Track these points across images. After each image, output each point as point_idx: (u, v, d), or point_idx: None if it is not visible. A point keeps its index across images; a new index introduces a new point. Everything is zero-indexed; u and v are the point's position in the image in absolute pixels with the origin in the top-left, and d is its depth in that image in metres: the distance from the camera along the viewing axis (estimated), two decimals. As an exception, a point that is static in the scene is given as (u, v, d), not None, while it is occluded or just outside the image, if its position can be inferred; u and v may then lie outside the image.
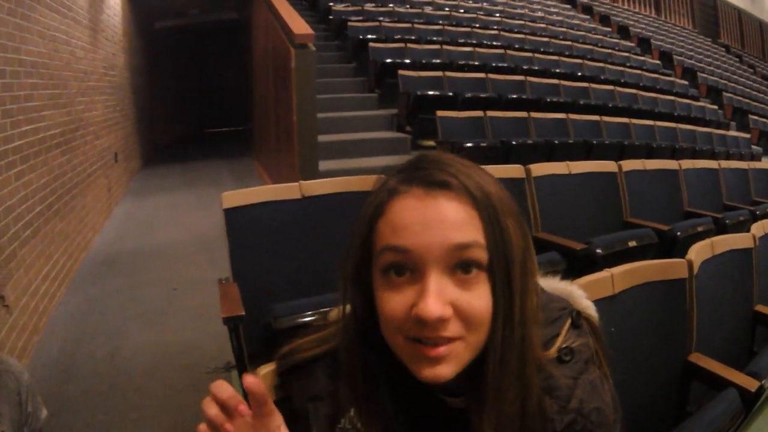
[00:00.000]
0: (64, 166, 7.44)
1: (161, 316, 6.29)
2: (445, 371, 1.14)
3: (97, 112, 9.91)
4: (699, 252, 3.02)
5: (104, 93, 10.68)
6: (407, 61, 11.19)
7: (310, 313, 3.08)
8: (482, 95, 9.96)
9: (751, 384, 2.57)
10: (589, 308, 1.41)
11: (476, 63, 11.85)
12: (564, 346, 1.26)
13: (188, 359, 5.34)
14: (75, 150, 8.07)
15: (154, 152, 17.57)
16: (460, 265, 1.12)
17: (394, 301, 1.15)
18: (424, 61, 11.27)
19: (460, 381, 1.18)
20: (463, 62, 11.68)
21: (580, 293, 1.43)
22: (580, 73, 12.93)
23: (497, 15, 16.29)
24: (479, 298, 1.13)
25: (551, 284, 1.46)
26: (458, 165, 1.19)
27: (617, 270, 2.56)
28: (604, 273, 2.54)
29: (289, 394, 1.48)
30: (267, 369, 1.65)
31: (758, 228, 3.76)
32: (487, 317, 1.14)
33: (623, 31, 20.16)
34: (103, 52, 10.73)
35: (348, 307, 1.32)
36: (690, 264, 2.90)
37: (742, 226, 5.64)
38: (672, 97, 13.93)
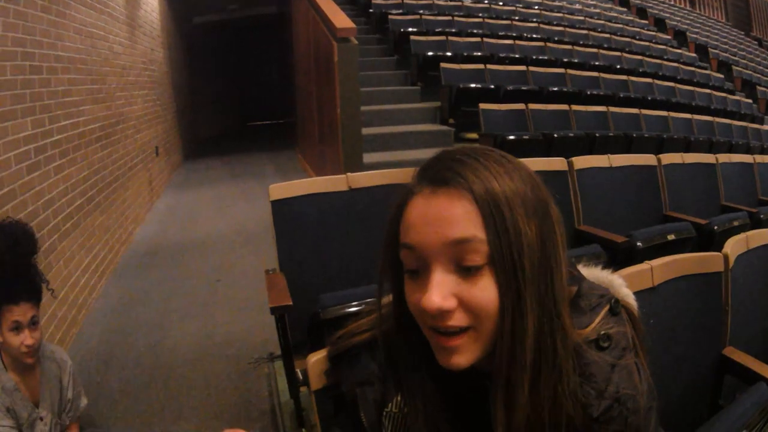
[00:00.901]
0: (105, 160, 7.55)
1: (204, 308, 6.33)
2: (460, 360, 1.22)
3: (137, 107, 10.01)
4: (734, 246, 3.00)
5: (144, 88, 10.77)
6: (449, 54, 11.16)
7: (356, 303, 3.06)
8: (524, 88, 9.92)
9: None
10: (629, 297, 1.46)
11: (517, 55, 11.81)
12: (603, 332, 1.28)
13: (231, 350, 5.40)
14: (115, 144, 8.18)
15: (195, 146, 17.61)
16: (461, 260, 1.18)
17: (412, 294, 1.25)
18: (465, 54, 11.22)
19: (490, 365, 1.25)
20: (504, 55, 11.63)
21: (620, 282, 1.48)
22: (619, 66, 12.86)
23: (536, 7, 16.18)
24: (483, 290, 1.18)
25: (593, 273, 1.51)
26: (470, 160, 1.23)
27: (656, 262, 2.60)
28: (644, 265, 2.58)
29: (338, 380, 1.57)
30: (316, 357, 1.77)
31: (792, 223, 3.76)
32: (494, 308, 1.18)
33: (659, 24, 19.96)
34: (141, 48, 10.82)
35: (386, 298, 1.41)
36: (726, 258, 2.90)
37: (777, 222, 5.68)
38: (708, 91, 13.79)
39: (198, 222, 9.90)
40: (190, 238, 8.97)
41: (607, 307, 1.34)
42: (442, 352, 1.23)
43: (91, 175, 6.86)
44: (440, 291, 1.18)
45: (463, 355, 1.22)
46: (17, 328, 3.16)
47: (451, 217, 1.18)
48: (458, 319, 1.19)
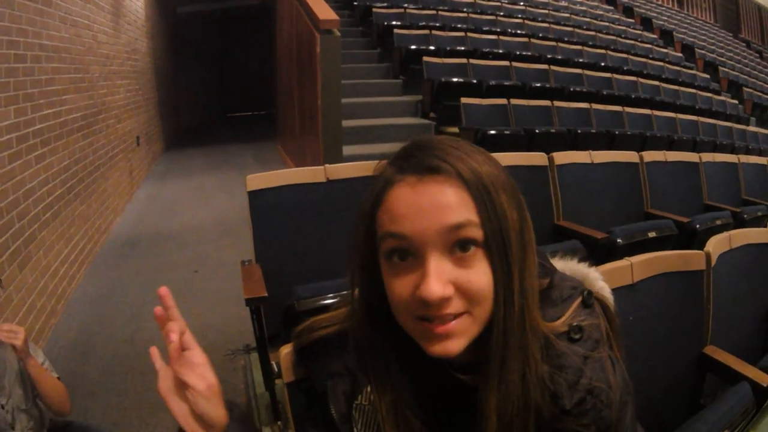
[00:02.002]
0: (86, 150, 7.52)
1: (181, 299, 6.15)
2: (454, 346, 1.20)
3: (120, 96, 9.98)
4: (717, 245, 3.02)
5: (127, 77, 10.76)
6: (432, 47, 11.15)
7: (332, 295, 3.07)
8: (506, 83, 9.94)
9: (763, 378, 2.58)
10: (604, 290, 1.45)
11: (500, 51, 11.84)
12: (575, 324, 1.30)
13: (207, 341, 5.36)
14: (97, 133, 8.15)
15: (177, 136, 17.60)
16: (457, 245, 1.18)
17: (400, 285, 1.21)
18: (448, 48, 11.24)
19: (468, 357, 1.24)
20: (487, 50, 11.66)
21: (595, 275, 1.47)
22: (603, 64, 12.89)
23: (521, 3, 16.23)
24: (479, 273, 1.18)
25: (568, 265, 1.51)
26: (449, 148, 1.24)
27: (636, 259, 2.59)
28: (624, 262, 2.57)
29: (308, 374, 1.59)
30: (287, 349, 1.73)
31: (775, 223, 3.76)
32: (489, 291, 1.19)
33: (646, 23, 20.04)
34: (125, 37, 10.79)
35: (357, 292, 1.39)
36: (708, 256, 2.90)
37: (760, 221, 5.67)
38: (694, 90, 13.85)
39: (177, 212, 9.90)
40: (169, 229, 8.98)
41: (579, 299, 1.35)
42: (434, 339, 1.21)
43: (72, 165, 6.84)
44: (439, 279, 1.16)
45: (458, 340, 1.21)
46: None
47: (445, 203, 1.17)
48: (455, 306, 1.18)
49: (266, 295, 3.32)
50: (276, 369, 3.40)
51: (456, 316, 1.19)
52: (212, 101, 23.93)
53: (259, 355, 3.65)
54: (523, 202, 1.27)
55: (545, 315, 1.29)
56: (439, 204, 1.17)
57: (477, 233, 1.17)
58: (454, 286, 1.17)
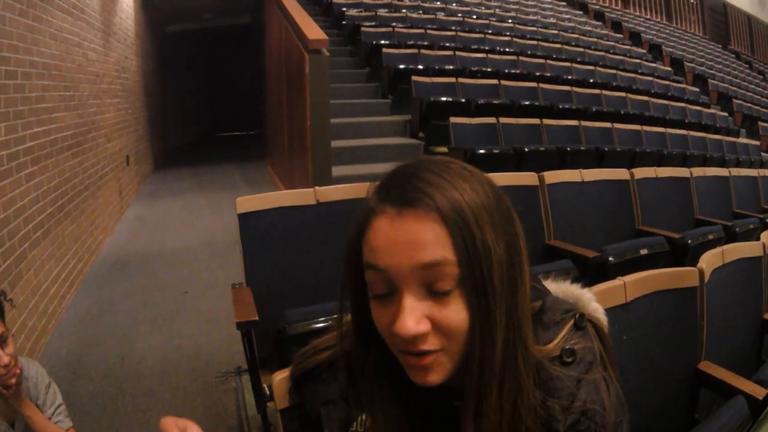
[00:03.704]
0: (76, 169, 7.48)
1: (172, 320, 6.30)
2: (433, 378, 1.20)
3: (109, 115, 9.94)
4: (710, 260, 3.02)
5: (116, 96, 10.71)
6: (420, 67, 11.17)
7: (323, 319, 3.07)
8: (495, 102, 9.94)
9: (758, 392, 2.58)
10: (597, 311, 1.44)
11: (489, 69, 11.87)
12: (567, 347, 1.28)
13: (198, 363, 5.38)
14: (86, 152, 8.12)
15: (166, 155, 17.61)
16: (432, 283, 1.15)
17: (382, 316, 1.21)
18: (437, 67, 11.26)
19: (460, 383, 1.22)
20: (476, 68, 11.68)
21: (588, 297, 1.46)
22: (592, 80, 12.95)
23: (510, 21, 16.32)
24: (455, 312, 1.16)
25: (561, 287, 1.50)
26: (433, 177, 1.20)
27: (629, 278, 2.58)
28: (617, 281, 2.56)
29: (303, 400, 1.55)
30: (281, 375, 1.70)
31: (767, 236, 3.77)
32: (465, 328, 1.17)
33: (635, 38, 20.17)
34: (115, 55, 10.76)
35: (348, 317, 1.37)
36: (701, 272, 2.90)
37: (752, 234, 5.67)
38: (683, 104, 13.90)
39: (167, 233, 9.89)
40: (159, 249, 8.95)
41: (571, 322, 1.33)
42: (416, 371, 1.21)
43: (62, 184, 6.82)
44: (413, 315, 1.15)
45: (436, 374, 1.20)
46: None
47: (420, 240, 1.15)
48: (431, 343, 1.17)
49: (257, 318, 3.31)
50: (268, 392, 3.38)
51: (433, 351, 1.18)
52: (201, 121, 24.00)
53: (251, 378, 3.65)
54: (518, 228, 1.26)
55: (537, 339, 1.28)
56: (415, 240, 1.15)
57: (452, 271, 1.15)
58: (430, 322, 1.16)
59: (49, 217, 6.22)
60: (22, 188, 5.47)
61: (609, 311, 1.47)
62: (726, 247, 3.27)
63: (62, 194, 6.77)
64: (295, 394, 1.63)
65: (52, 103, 6.54)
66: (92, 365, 5.36)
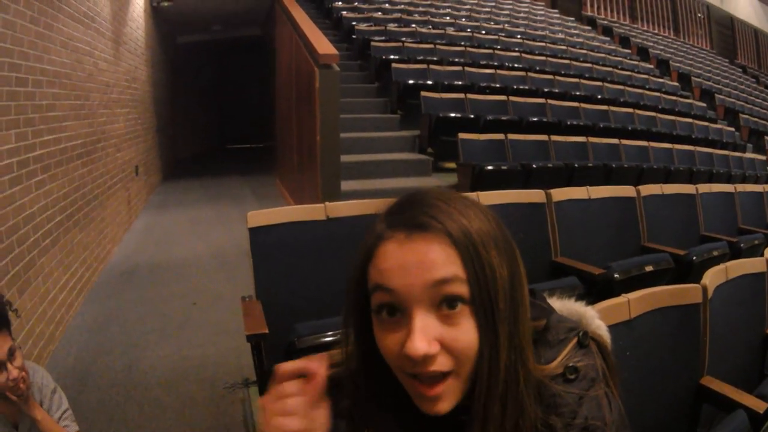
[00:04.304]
0: (85, 178, 7.49)
1: (180, 330, 6.31)
2: (443, 406, 1.21)
3: (119, 125, 9.95)
4: (713, 277, 3.05)
5: (126, 106, 10.70)
6: (429, 82, 11.22)
7: (332, 333, 3.12)
8: (503, 118, 9.98)
9: (759, 406, 2.60)
10: (600, 329, 1.45)
11: (498, 85, 11.88)
12: (570, 365, 1.29)
13: (206, 374, 5.38)
14: (96, 162, 8.13)
15: (174, 167, 17.60)
16: (443, 301, 1.17)
17: (388, 340, 1.22)
18: (446, 83, 11.29)
19: (465, 401, 1.23)
20: (484, 84, 11.70)
21: (592, 314, 1.47)
22: (600, 96, 12.96)
23: (519, 36, 16.30)
24: (465, 332, 1.18)
25: (566, 305, 1.51)
26: (440, 204, 1.23)
27: (634, 295, 2.61)
28: (621, 298, 2.59)
29: None
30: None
31: (771, 251, 3.78)
32: (474, 349, 1.19)
33: (643, 53, 20.15)
34: (125, 65, 10.75)
35: (352, 339, 1.38)
36: (704, 289, 2.93)
37: (757, 250, 5.67)
38: (690, 120, 13.94)
39: (175, 244, 9.88)
40: (166, 260, 8.94)
41: (575, 340, 1.34)
42: (425, 400, 1.22)
43: (72, 192, 6.82)
44: (425, 336, 1.16)
45: (447, 401, 1.21)
46: None
47: (431, 260, 1.17)
48: (441, 364, 1.18)
49: (267, 331, 3.35)
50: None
51: (444, 375, 1.19)
52: (210, 132, 23.96)
53: (259, 390, 3.68)
54: (518, 257, 1.29)
55: (541, 357, 1.31)
56: (426, 260, 1.17)
57: (463, 290, 1.17)
58: (440, 344, 1.17)
59: (58, 225, 6.24)
60: (31, 196, 5.50)
61: (613, 328, 1.50)
62: (730, 263, 3.29)
63: (71, 203, 6.80)
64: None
65: (62, 111, 6.56)
66: (99, 373, 5.38)
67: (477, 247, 1.19)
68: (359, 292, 1.29)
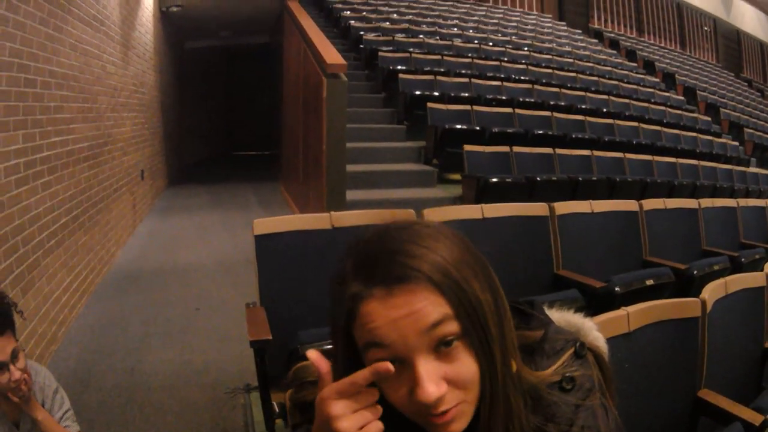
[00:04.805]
0: (91, 180, 7.54)
1: (182, 335, 6.35)
2: (458, 427, 1.22)
3: (126, 129, 9.99)
4: (713, 291, 3.06)
5: (133, 110, 10.74)
6: (436, 93, 11.22)
7: None
8: (509, 130, 10.00)
9: (755, 418, 2.62)
10: (598, 340, 1.49)
11: (504, 97, 11.90)
12: (567, 375, 1.32)
13: (207, 378, 5.42)
14: (102, 165, 8.17)
15: (180, 172, 17.60)
16: (439, 343, 1.18)
17: (393, 392, 1.22)
18: (453, 94, 11.30)
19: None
20: (491, 96, 11.71)
21: (590, 325, 1.51)
22: (605, 110, 12.94)
23: (525, 49, 16.28)
24: (465, 364, 1.20)
25: (564, 317, 1.55)
26: (411, 246, 1.22)
27: (633, 309, 2.63)
28: (621, 311, 2.61)
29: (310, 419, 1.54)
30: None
31: (771, 266, 3.80)
32: (477, 376, 1.21)
33: (649, 66, 20.16)
34: (133, 69, 10.80)
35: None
36: (703, 303, 2.94)
37: (758, 264, 5.66)
38: (695, 134, 13.93)
39: (179, 249, 9.91)
40: (170, 265, 8.98)
41: (571, 350, 1.37)
42: (437, 427, 1.22)
43: (77, 194, 6.87)
44: (432, 380, 1.18)
45: (459, 423, 1.23)
46: (0, 368, 2.97)
47: (419, 309, 1.17)
48: (450, 400, 1.20)
49: (271, 338, 3.37)
50: (277, 409, 3.47)
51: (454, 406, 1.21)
52: (216, 139, 23.93)
53: (261, 395, 3.68)
54: (489, 268, 1.31)
55: (537, 367, 1.34)
56: (413, 311, 1.17)
57: (455, 327, 1.18)
58: (445, 382, 1.19)
59: (63, 227, 6.28)
60: (37, 196, 5.54)
61: (612, 340, 1.53)
62: (729, 278, 3.29)
63: (77, 205, 6.84)
64: (298, 415, 1.63)
65: (70, 113, 6.60)
66: (101, 375, 5.42)
67: (459, 282, 1.20)
68: (348, 352, 1.28)
